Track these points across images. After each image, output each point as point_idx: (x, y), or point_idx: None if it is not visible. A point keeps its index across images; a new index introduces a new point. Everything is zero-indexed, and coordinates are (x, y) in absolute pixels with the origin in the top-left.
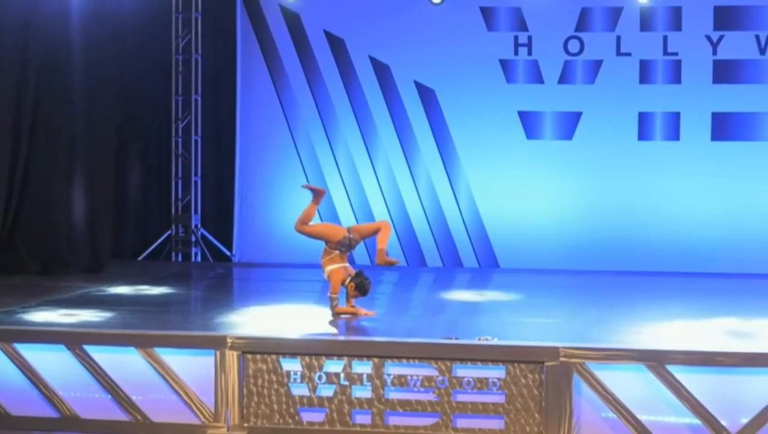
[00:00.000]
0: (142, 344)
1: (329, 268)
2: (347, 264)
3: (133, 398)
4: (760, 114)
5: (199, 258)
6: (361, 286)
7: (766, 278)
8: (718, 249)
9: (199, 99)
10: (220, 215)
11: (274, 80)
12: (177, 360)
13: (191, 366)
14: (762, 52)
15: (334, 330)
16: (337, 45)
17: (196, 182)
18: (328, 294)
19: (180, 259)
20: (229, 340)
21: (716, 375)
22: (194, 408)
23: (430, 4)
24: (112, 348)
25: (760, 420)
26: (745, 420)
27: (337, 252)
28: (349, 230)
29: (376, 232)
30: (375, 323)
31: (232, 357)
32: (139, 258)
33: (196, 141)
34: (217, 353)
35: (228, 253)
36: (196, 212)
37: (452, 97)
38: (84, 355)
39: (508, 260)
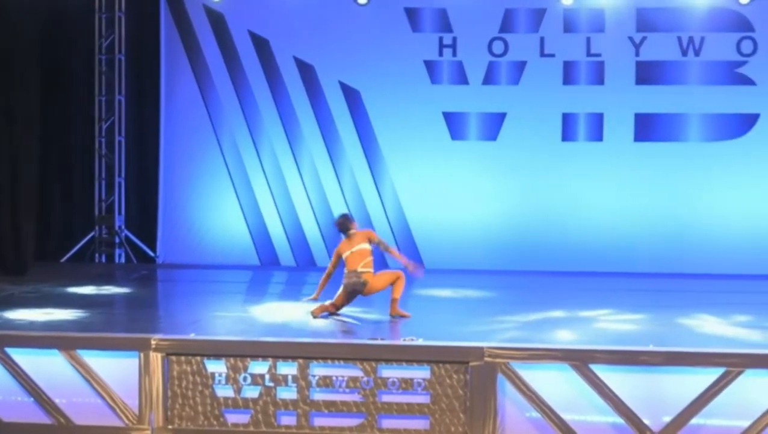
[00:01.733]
0: (66, 346)
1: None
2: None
3: (56, 401)
4: (682, 115)
5: (123, 259)
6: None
7: (686, 277)
8: (639, 249)
9: (123, 100)
10: (144, 216)
11: (198, 81)
12: (101, 362)
13: (115, 368)
14: (684, 53)
15: (258, 331)
16: (261, 46)
17: (119, 183)
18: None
19: (104, 260)
20: (153, 342)
21: (639, 374)
22: (118, 410)
23: (356, 5)
24: (34, 350)
25: (682, 418)
26: (667, 419)
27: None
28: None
29: (391, 283)
30: (300, 324)
31: (156, 358)
32: (63, 260)
33: (119, 142)
34: (141, 355)
35: (152, 254)
36: (119, 213)
37: (377, 98)
38: (6, 358)
39: (434, 260)
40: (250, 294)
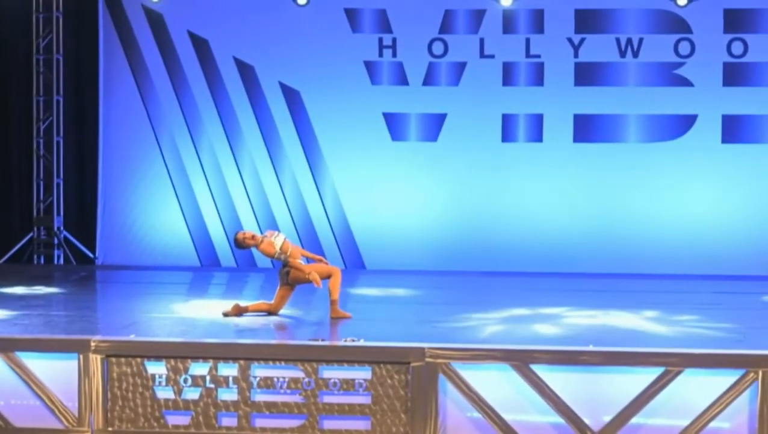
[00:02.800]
0: (3, 348)
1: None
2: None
3: None
4: (621, 116)
5: (61, 261)
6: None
7: (624, 277)
8: (578, 249)
9: (61, 100)
10: (83, 217)
11: (137, 81)
12: (39, 364)
13: (54, 370)
14: (622, 55)
15: (199, 333)
16: (201, 46)
17: (58, 184)
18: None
19: (42, 261)
20: (92, 343)
21: (579, 373)
22: (57, 412)
23: (295, 6)
24: None
25: (622, 417)
26: (607, 418)
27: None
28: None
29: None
30: (241, 325)
31: (95, 360)
32: (1, 261)
33: (57, 142)
34: (81, 356)
35: (91, 255)
36: (58, 214)
37: (317, 99)
38: None
39: (375, 261)
40: (191, 295)
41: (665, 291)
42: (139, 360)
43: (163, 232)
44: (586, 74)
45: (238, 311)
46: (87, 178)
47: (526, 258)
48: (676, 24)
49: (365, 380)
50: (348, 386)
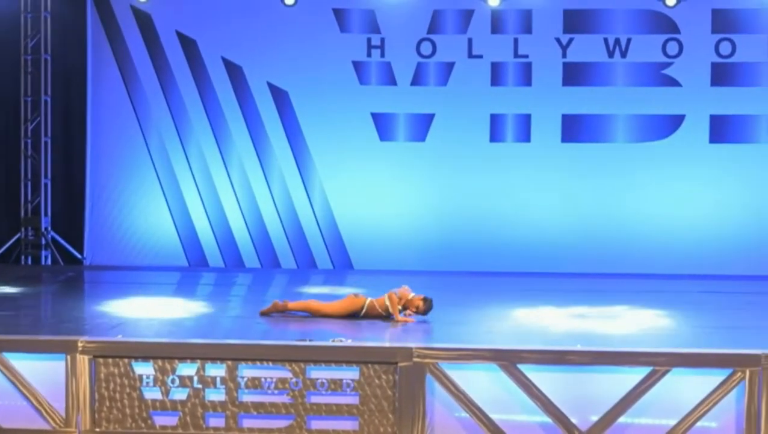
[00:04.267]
0: None
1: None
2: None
3: None
4: (609, 116)
5: (49, 261)
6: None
7: (612, 277)
8: (566, 249)
9: (49, 100)
10: (71, 217)
11: (125, 81)
12: (26, 365)
13: (41, 371)
14: (611, 55)
15: (186, 333)
16: (189, 46)
17: (46, 184)
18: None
19: (30, 262)
20: (80, 344)
21: (567, 373)
22: (45, 413)
23: (283, 6)
24: None
25: (610, 417)
26: (595, 418)
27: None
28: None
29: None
30: (230, 325)
31: (83, 361)
32: None
33: (45, 142)
34: (68, 357)
35: (79, 256)
36: (46, 214)
37: (305, 99)
38: None
39: (363, 261)
40: (178, 296)
41: (653, 291)
42: (126, 360)
43: (150, 232)
44: (575, 74)
45: (278, 310)
46: (75, 178)
47: (514, 258)
48: (664, 24)
49: (353, 380)
50: (336, 386)
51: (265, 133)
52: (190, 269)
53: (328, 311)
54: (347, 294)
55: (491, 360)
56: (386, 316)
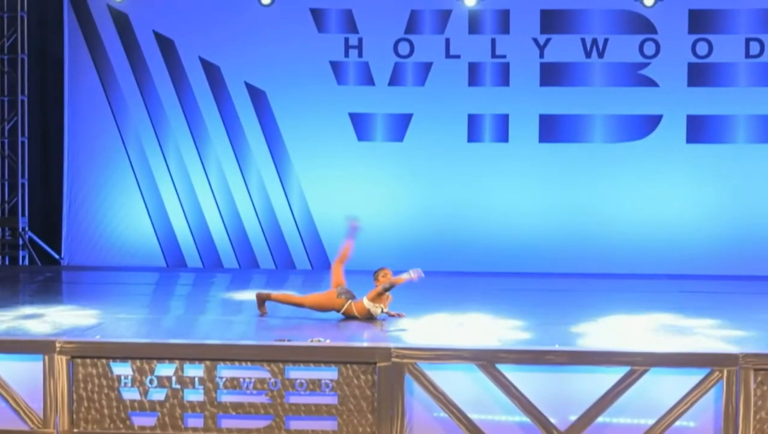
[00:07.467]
0: None
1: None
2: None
3: None
4: (586, 116)
5: (27, 261)
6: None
7: (589, 277)
8: (543, 249)
9: (26, 100)
10: (49, 217)
11: (102, 81)
12: (4, 366)
13: (19, 372)
14: (588, 55)
15: (165, 333)
16: (166, 46)
17: (23, 184)
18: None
19: (7, 262)
20: (58, 345)
21: (545, 373)
22: (22, 414)
23: (260, 6)
24: None
25: (588, 416)
26: (573, 418)
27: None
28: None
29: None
30: (207, 327)
31: (61, 361)
32: None
33: (22, 142)
34: (46, 358)
35: (56, 256)
36: (23, 214)
37: (283, 99)
38: None
39: None
40: (157, 296)
41: (631, 290)
42: (104, 361)
43: (128, 232)
44: (552, 74)
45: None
46: (52, 178)
47: (492, 258)
48: (641, 24)
49: (332, 380)
50: (314, 386)
51: (243, 133)
52: (168, 269)
53: (307, 303)
54: (332, 289)
55: (470, 360)
56: (365, 319)
